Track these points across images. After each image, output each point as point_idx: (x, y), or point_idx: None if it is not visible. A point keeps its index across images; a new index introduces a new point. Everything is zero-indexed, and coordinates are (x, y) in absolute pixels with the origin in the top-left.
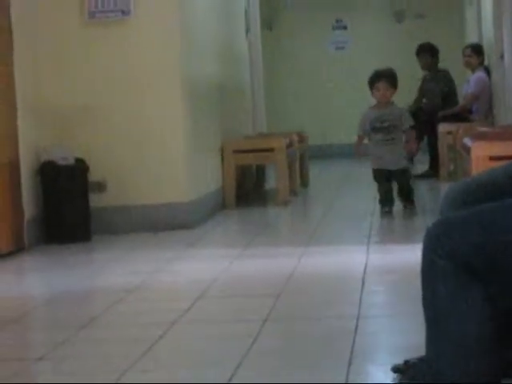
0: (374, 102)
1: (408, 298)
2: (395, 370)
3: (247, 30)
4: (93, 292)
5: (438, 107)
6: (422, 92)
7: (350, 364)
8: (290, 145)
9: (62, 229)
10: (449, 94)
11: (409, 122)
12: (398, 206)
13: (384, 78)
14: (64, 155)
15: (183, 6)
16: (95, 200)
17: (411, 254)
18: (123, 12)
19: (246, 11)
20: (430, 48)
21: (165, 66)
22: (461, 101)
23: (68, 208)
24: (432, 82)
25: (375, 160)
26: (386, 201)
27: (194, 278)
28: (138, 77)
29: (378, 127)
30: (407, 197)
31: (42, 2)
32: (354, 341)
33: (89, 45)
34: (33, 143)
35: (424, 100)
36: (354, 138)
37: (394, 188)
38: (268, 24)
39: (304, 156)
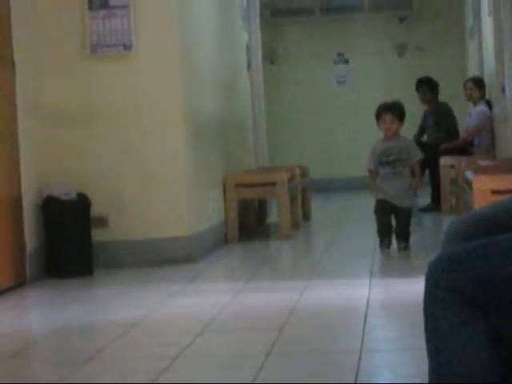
0: (378, 135)
1: (411, 332)
2: None
3: (249, 64)
4: (95, 326)
5: (440, 140)
6: (423, 126)
7: None
8: (291, 178)
9: (64, 263)
10: (449, 127)
11: (417, 155)
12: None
13: (390, 111)
14: (66, 190)
15: (185, 42)
16: (97, 234)
17: (413, 288)
18: (125, 47)
19: (247, 46)
20: (428, 82)
21: (167, 101)
22: (462, 134)
23: (70, 243)
24: (432, 116)
25: (381, 192)
26: (384, 235)
27: (196, 312)
28: (140, 111)
29: (385, 161)
30: (404, 239)
31: (44, 35)
32: (356, 375)
33: (90, 79)
34: (35, 178)
35: (425, 134)
36: (355, 171)
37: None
38: (270, 58)
39: (306, 189)
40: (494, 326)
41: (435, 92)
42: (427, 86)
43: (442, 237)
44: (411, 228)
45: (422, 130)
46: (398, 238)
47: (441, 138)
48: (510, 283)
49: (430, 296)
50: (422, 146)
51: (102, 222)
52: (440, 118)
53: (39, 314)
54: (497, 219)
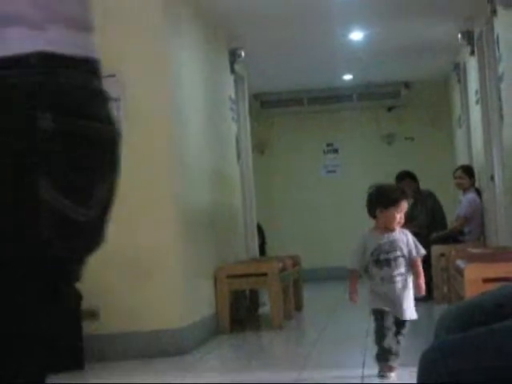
0: (369, 224)
1: None
2: None
3: (239, 155)
4: None
5: (429, 229)
6: (411, 217)
7: None
8: (283, 269)
9: (54, 357)
10: (435, 214)
11: (421, 249)
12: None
13: (406, 197)
14: None
15: (175, 134)
16: (88, 327)
17: (407, 378)
18: None
19: (237, 137)
20: (410, 174)
21: (157, 193)
22: (453, 222)
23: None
24: (418, 206)
25: (378, 299)
26: (389, 354)
27: None
28: (129, 203)
29: (382, 260)
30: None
31: None
32: None
33: None
34: None
35: (414, 224)
36: (345, 261)
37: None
38: (260, 148)
39: (298, 279)
40: None
41: (417, 182)
42: (410, 178)
43: (434, 326)
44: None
45: (409, 220)
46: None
47: (429, 226)
48: (504, 376)
49: None
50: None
51: (93, 314)
52: (429, 206)
53: None
54: (489, 308)
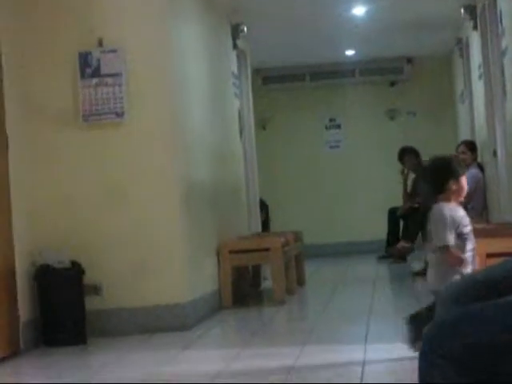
0: (373, 199)
1: None
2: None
3: (241, 130)
4: None
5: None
6: (414, 193)
7: None
8: (285, 244)
9: (57, 332)
10: None
11: None
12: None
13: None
14: (60, 259)
15: (177, 109)
16: (91, 303)
17: (409, 354)
18: (117, 114)
19: (239, 112)
20: (412, 150)
21: (160, 169)
22: None
23: (64, 311)
24: (422, 181)
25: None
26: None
27: (190, 380)
28: (133, 179)
29: (466, 233)
30: None
31: (36, 105)
32: None
33: (84, 147)
34: (29, 247)
35: (417, 199)
36: (349, 236)
37: None
38: (262, 124)
39: (300, 255)
40: None
41: (419, 158)
42: (412, 154)
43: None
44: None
45: (414, 196)
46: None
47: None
48: (507, 351)
49: (427, 364)
50: (413, 210)
51: (96, 290)
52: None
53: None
54: (491, 283)
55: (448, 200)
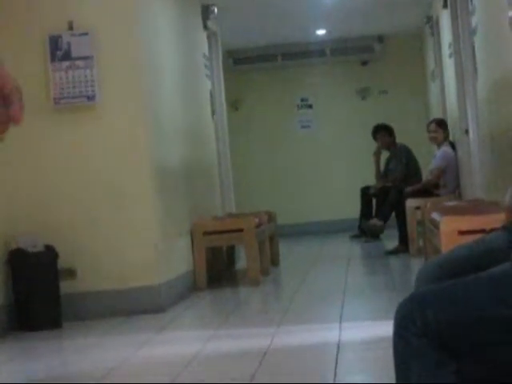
0: (345, 178)
1: (382, 375)
2: None
3: (213, 111)
4: (64, 379)
5: (404, 182)
6: (386, 171)
7: None
8: (259, 224)
9: (32, 316)
10: (410, 167)
11: None
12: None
13: None
14: (33, 243)
15: (149, 91)
16: (65, 286)
17: (384, 331)
18: (88, 98)
19: (211, 93)
20: (386, 127)
21: (132, 150)
22: (427, 176)
23: (38, 295)
24: (394, 159)
25: None
26: None
27: (166, 362)
28: (106, 161)
29: None
30: None
31: None
32: None
33: (54, 131)
34: (1, 231)
35: (389, 178)
36: (322, 216)
37: None
38: (234, 105)
39: (274, 235)
40: (464, 369)
41: (393, 136)
42: (385, 131)
43: (410, 279)
44: None
45: (385, 174)
46: None
47: (404, 179)
48: (480, 326)
49: (401, 340)
50: (386, 189)
51: (70, 273)
52: (403, 159)
53: (7, 369)
54: (466, 261)
55: None
